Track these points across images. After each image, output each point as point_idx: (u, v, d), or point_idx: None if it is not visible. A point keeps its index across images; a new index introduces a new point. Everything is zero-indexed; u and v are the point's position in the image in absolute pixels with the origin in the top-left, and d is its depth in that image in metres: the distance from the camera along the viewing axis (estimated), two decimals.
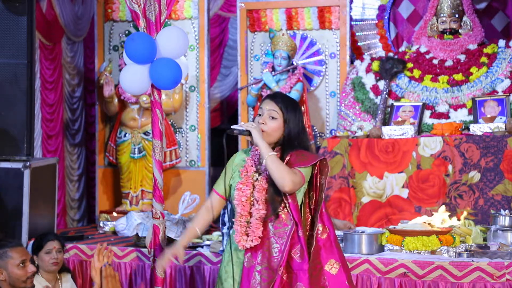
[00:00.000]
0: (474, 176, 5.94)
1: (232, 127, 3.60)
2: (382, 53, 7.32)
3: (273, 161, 3.47)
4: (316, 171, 3.59)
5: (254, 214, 3.55)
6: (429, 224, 5.18)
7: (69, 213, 7.56)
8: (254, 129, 3.52)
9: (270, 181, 3.54)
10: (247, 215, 3.57)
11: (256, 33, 7.44)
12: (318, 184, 3.60)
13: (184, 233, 3.82)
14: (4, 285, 3.92)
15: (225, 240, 5.13)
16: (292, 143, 3.60)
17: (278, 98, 3.67)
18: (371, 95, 6.80)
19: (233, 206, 3.67)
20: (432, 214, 5.61)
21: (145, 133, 7.10)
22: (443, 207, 5.54)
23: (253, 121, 3.70)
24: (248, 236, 3.55)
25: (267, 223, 3.56)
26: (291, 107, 3.63)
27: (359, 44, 7.50)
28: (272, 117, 3.60)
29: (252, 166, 3.62)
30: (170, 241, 5.37)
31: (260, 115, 3.62)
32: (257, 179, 3.59)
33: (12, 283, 3.94)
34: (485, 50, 6.75)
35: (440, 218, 5.34)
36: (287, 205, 3.54)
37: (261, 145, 3.51)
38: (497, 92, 6.44)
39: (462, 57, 6.76)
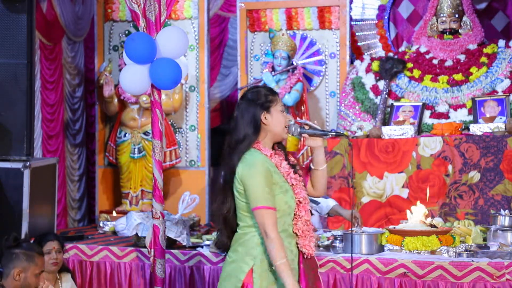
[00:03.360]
0: (474, 176, 5.94)
1: (307, 122, 3.53)
2: (382, 53, 7.32)
3: (326, 171, 3.55)
4: None
5: (307, 217, 3.45)
6: (429, 224, 5.18)
7: (70, 213, 7.56)
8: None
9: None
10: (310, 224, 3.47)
11: (256, 33, 7.44)
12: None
13: (288, 275, 3.27)
14: (15, 285, 3.91)
15: None
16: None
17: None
18: (371, 95, 6.80)
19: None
20: (433, 215, 5.62)
21: (145, 133, 7.10)
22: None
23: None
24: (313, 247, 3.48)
25: None
26: None
27: (359, 44, 7.50)
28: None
29: (290, 169, 3.48)
30: (170, 241, 5.39)
31: (283, 111, 3.52)
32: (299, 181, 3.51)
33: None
34: (485, 50, 6.75)
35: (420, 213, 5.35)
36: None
37: (323, 152, 3.53)
38: (497, 92, 6.44)
39: (462, 57, 6.76)
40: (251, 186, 3.32)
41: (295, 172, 3.47)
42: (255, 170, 3.35)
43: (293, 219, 3.43)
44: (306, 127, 3.54)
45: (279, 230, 3.35)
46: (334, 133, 3.57)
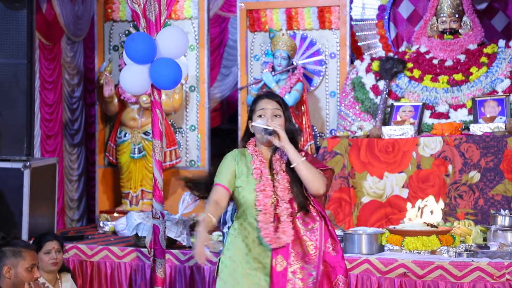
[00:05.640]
0: (474, 176, 5.94)
1: (255, 124, 3.59)
2: (382, 53, 7.32)
3: (307, 167, 3.49)
4: None
5: (283, 213, 3.52)
6: (429, 224, 5.19)
7: (67, 213, 7.55)
8: (282, 132, 3.51)
9: (293, 180, 3.54)
10: (273, 215, 3.53)
11: (256, 33, 7.44)
12: None
13: (199, 224, 3.48)
14: (7, 283, 3.91)
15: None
16: (295, 140, 3.61)
17: (275, 96, 3.70)
18: (371, 95, 6.80)
19: (237, 206, 3.64)
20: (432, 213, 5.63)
21: (145, 133, 7.10)
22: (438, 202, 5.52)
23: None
24: (279, 237, 3.50)
25: (296, 222, 3.54)
26: (286, 105, 3.68)
27: (359, 44, 7.50)
28: (277, 115, 3.60)
29: (264, 168, 3.58)
30: (170, 241, 5.39)
31: (261, 115, 3.60)
32: (276, 179, 3.57)
33: (15, 284, 3.93)
34: (485, 50, 6.75)
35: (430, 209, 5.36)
36: (311, 201, 3.56)
37: (290, 149, 3.50)
38: (497, 92, 6.44)
39: (462, 57, 6.76)
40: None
41: (272, 174, 3.58)
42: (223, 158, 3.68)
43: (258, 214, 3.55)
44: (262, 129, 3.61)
45: (244, 222, 3.58)
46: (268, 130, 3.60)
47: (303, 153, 3.58)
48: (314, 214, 3.56)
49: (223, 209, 3.60)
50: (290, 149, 3.50)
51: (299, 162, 3.47)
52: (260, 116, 3.60)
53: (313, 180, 3.47)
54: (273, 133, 3.52)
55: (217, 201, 3.55)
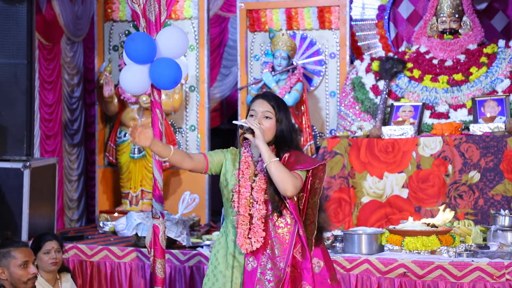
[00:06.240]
0: (474, 176, 5.94)
1: (235, 122, 3.63)
2: (382, 53, 7.32)
3: (276, 167, 3.49)
4: (309, 174, 3.60)
5: (255, 215, 3.55)
6: (429, 224, 5.19)
7: (67, 213, 7.55)
8: (258, 130, 3.52)
9: (269, 181, 3.55)
10: (248, 217, 3.57)
11: (256, 33, 7.44)
12: (309, 187, 3.61)
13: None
14: (6, 284, 3.92)
15: None
16: (285, 142, 3.63)
17: (270, 97, 3.69)
18: (371, 95, 6.80)
19: (228, 206, 3.66)
20: (433, 215, 5.63)
21: None
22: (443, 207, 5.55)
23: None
24: (250, 239, 3.54)
25: (268, 223, 3.56)
26: (282, 106, 3.67)
27: (359, 44, 7.50)
28: (267, 117, 3.62)
29: (247, 168, 3.62)
30: (170, 241, 5.39)
31: (252, 115, 3.63)
32: (254, 180, 3.60)
33: (13, 283, 3.94)
34: (485, 50, 6.75)
35: (443, 218, 5.35)
36: (287, 204, 3.56)
37: (263, 149, 3.51)
38: (497, 92, 6.44)
39: (462, 57, 6.76)
40: None
41: (255, 175, 3.61)
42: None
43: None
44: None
45: (227, 220, 3.67)
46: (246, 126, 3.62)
47: (288, 154, 3.59)
48: (288, 217, 3.57)
49: (186, 162, 3.59)
50: (264, 149, 3.51)
51: (270, 163, 3.49)
52: (251, 116, 3.63)
53: (280, 182, 3.47)
54: (249, 131, 3.55)
55: (190, 156, 3.63)
